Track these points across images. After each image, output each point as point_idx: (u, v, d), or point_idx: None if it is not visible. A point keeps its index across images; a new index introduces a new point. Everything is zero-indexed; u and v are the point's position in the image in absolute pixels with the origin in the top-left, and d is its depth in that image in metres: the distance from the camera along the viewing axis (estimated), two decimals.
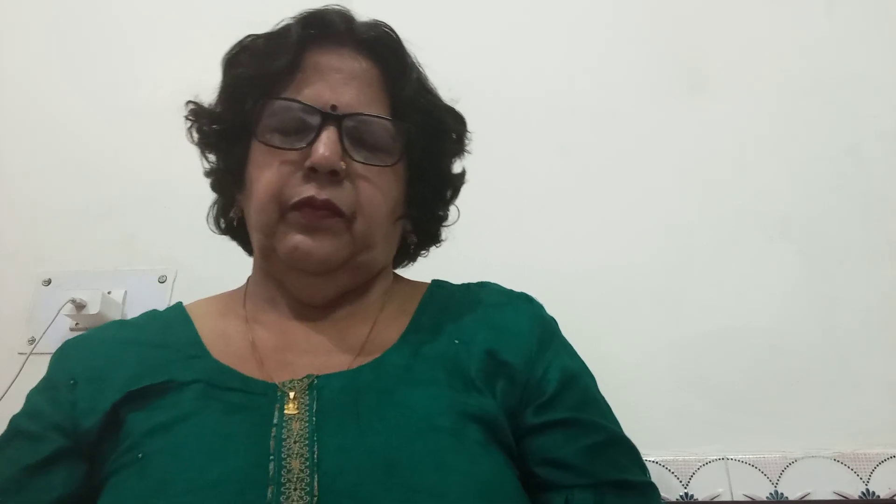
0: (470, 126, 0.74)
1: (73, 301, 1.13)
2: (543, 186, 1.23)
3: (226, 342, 0.64)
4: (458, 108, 0.74)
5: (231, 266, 1.24)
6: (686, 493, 0.97)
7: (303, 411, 0.56)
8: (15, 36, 1.50)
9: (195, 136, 0.72)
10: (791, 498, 0.96)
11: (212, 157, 0.73)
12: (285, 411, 0.56)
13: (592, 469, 0.59)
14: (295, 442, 0.54)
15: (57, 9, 1.50)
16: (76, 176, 1.34)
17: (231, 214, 0.73)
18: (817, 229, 1.15)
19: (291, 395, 0.57)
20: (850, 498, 0.95)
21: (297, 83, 0.64)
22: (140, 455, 0.54)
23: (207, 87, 1.53)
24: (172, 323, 0.67)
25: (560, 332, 0.70)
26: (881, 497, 0.95)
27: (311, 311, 0.67)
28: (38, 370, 1.13)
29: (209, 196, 1.39)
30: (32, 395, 0.64)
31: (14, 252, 1.29)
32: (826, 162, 1.19)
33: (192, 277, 1.23)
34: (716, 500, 0.97)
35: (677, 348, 1.08)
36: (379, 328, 0.67)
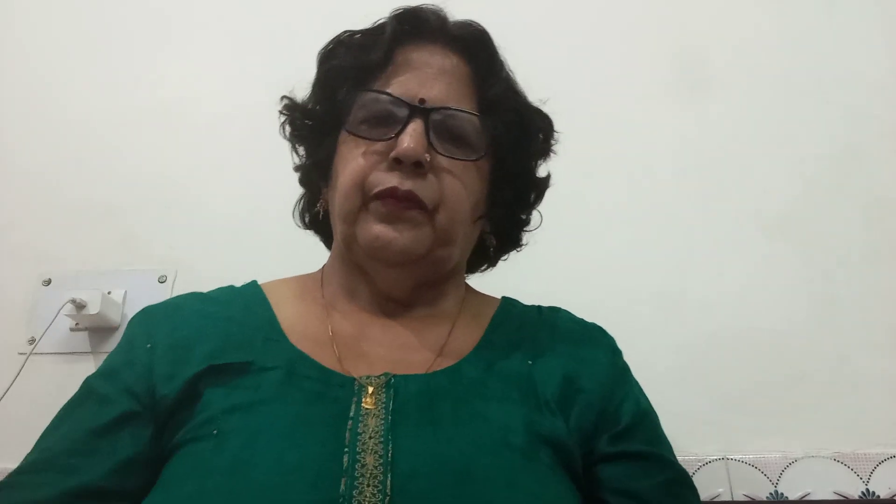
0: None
1: (73, 301, 1.13)
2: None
3: (304, 327, 0.65)
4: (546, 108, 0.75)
5: (231, 266, 1.24)
6: None
7: (379, 408, 0.56)
8: (15, 36, 1.50)
9: (287, 129, 0.74)
10: (791, 498, 0.96)
11: (301, 152, 0.75)
12: (363, 405, 0.56)
13: None
14: (370, 437, 0.54)
15: (57, 9, 1.50)
16: (76, 176, 1.34)
17: (317, 207, 0.73)
18: (817, 229, 1.15)
19: (370, 389, 0.57)
20: (850, 498, 0.95)
21: (387, 77, 0.66)
22: (216, 431, 0.54)
23: (207, 86, 1.53)
24: (251, 302, 0.68)
25: (628, 365, 0.72)
26: (881, 497, 0.95)
27: (389, 305, 0.68)
28: (38, 370, 1.14)
29: (209, 196, 1.39)
30: (111, 356, 0.64)
31: (14, 252, 1.29)
32: (826, 162, 1.19)
33: (192, 277, 1.23)
34: (716, 500, 0.97)
35: (677, 348, 1.08)
36: (455, 334, 0.67)
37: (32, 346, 1.14)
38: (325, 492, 0.50)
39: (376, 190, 0.62)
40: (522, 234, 0.79)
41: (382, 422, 0.55)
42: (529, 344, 0.67)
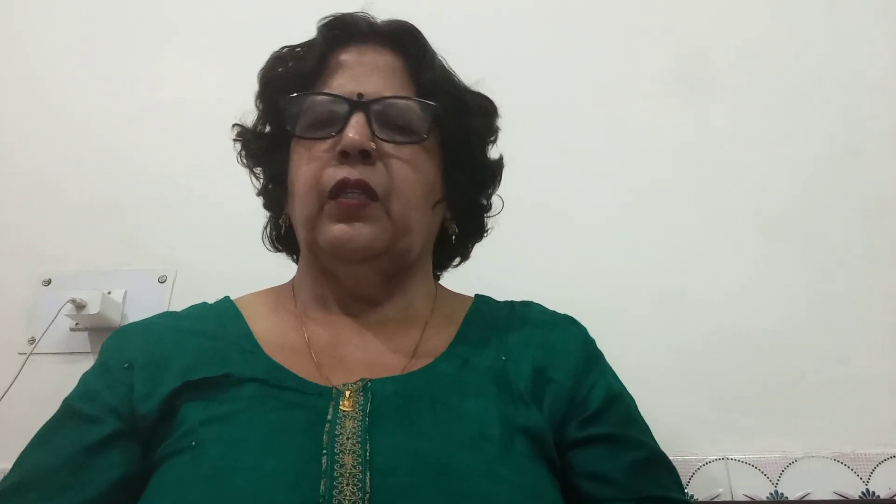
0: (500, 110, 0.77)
1: (73, 301, 1.13)
2: (543, 186, 1.23)
3: (279, 338, 0.66)
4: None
5: (231, 266, 1.24)
6: (686, 494, 0.97)
7: (356, 410, 0.57)
8: (15, 36, 1.50)
9: (243, 155, 0.76)
10: (791, 498, 0.96)
11: (260, 175, 0.77)
12: (340, 408, 0.57)
13: (634, 485, 0.60)
14: (348, 439, 0.55)
15: (56, 9, 1.50)
16: (76, 176, 1.34)
17: (280, 222, 0.75)
18: (817, 229, 1.14)
19: (347, 393, 0.59)
20: (850, 498, 0.95)
21: (325, 80, 0.68)
22: (194, 443, 0.55)
23: (207, 86, 1.53)
24: (224, 316, 0.69)
25: (602, 354, 0.73)
26: (881, 497, 0.95)
27: (361, 307, 0.70)
28: (38, 370, 1.14)
29: (209, 196, 1.39)
30: (87, 378, 0.64)
31: (14, 252, 1.29)
32: (826, 162, 1.19)
33: (192, 277, 1.23)
34: (716, 500, 0.97)
35: (677, 348, 1.08)
36: (428, 334, 0.69)
37: (32, 346, 1.14)
38: (305, 493, 0.51)
39: (329, 186, 0.63)
40: (485, 219, 0.80)
41: (360, 423, 0.56)
42: (502, 340, 0.69)
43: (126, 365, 0.62)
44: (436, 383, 0.62)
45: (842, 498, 0.95)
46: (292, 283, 0.75)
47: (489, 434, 0.57)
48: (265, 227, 0.81)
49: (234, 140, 0.76)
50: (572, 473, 0.61)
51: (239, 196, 1.30)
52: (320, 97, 0.66)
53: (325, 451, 0.53)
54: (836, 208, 1.15)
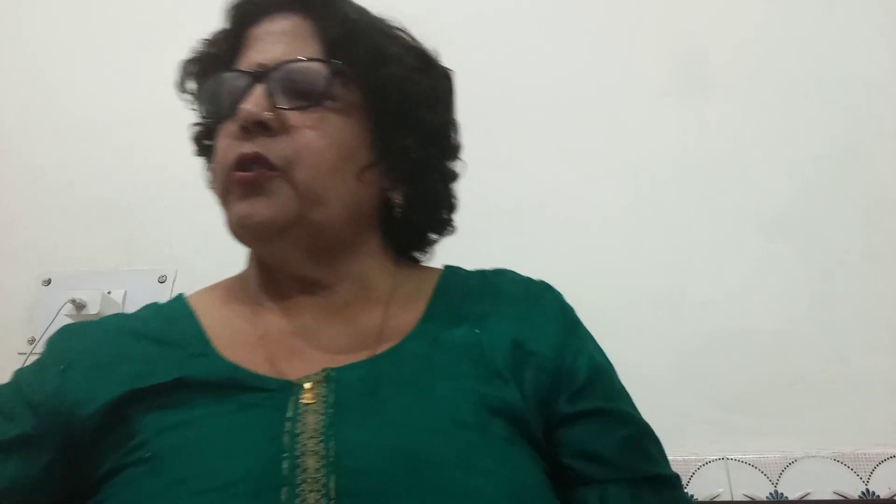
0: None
1: (73, 301, 1.13)
2: (543, 187, 1.23)
3: (232, 333, 0.62)
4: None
5: (231, 266, 1.23)
6: (685, 492, 0.97)
7: (319, 402, 0.53)
8: (15, 36, 1.50)
9: (196, 154, 0.74)
10: (791, 498, 0.96)
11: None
12: (301, 401, 0.53)
13: (627, 463, 0.58)
14: (310, 437, 0.51)
15: (57, 10, 1.50)
16: (77, 176, 1.34)
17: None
18: (817, 229, 1.14)
19: (307, 385, 0.55)
20: (850, 498, 0.95)
21: (239, 58, 0.65)
22: (149, 454, 0.51)
23: None
24: (175, 317, 0.64)
25: (580, 319, 0.69)
26: (881, 497, 0.95)
27: (310, 289, 0.65)
28: None
29: (209, 196, 1.39)
30: (22, 370, 0.60)
31: (14, 252, 1.29)
32: (826, 162, 1.19)
33: (192, 277, 1.23)
34: (716, 500, 0.97)
35: (677, 348, 1.08)
36: (393, 312, 0.64)
37: (32, 346, 1.15)
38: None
39: (230, 164, 0.60)
40: (442, 187, 0.71)
41: (322, 417, 0.52)
42: (475, 312, 0.64)
43: (63, 367, 0.58)
44: (405, 365, 0.58)
45: (842, 498, 0.95)
46: (245, 273, 0.70)
47: (464, 419, 0.54)
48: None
49: (192, 140, 0.73)
50: (562, 452, 0.58)
51: None
52: (227, 75, 0.63)
53: (285, 454, 0.50)
54: (836, 208, 1.15)
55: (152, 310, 0.67)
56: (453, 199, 0.73)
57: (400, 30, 0.69)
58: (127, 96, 1.40)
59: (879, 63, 1.25)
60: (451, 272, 0.71)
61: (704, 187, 1.20)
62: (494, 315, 0.64)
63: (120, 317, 0.68)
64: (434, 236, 0.74)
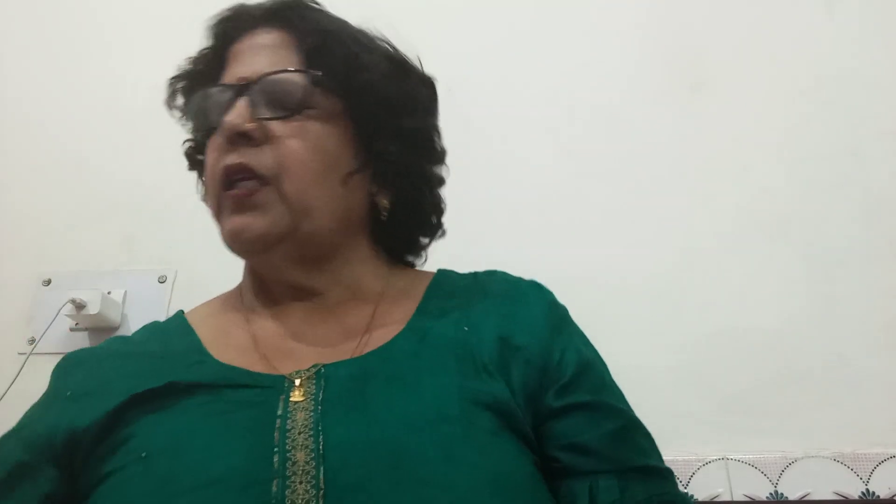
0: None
1: (73, 301, 1.13)
2: (543, 187, 1.23)
3: (226, 339, 0.64)
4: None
5: (231, 266, 1.23)
6: (685, 493, 0.97)
7: (308, 400, 0.55)
8: (14, 36, 1.50)
9: (188, 168, 0.76)
10: (791, 498, 0.96)
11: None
12: (291, 398, 0.55)
13: (616, 455, 0.58)
14: (300, 433, 0.52)
15: (57, 9, 1.50)
16: (76, 176, 1.34)
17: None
18: (817, 229, 1.14)
19: (297, 382, 0.56)
20: (850, 498, 0.95)
21: (224, 74, 0.67)
22: (144, 454, 0.53)
23: None
24: (172, 333, 0.67)
25: (571, 317, 0.69)
26: (881, 497, 0.95)
27: (302, 295, 0.66)
28: (38, 370, 1.14)
29: None
30: (25, 414, 0.63)
31: (14, 252, 1.29)
32: (826, 162, 1.19)
33: (192, 277, 1.23)
34: (716, 500, 0.97)
35: (677, 349, 1.08)
36: (382, 311, 0.65)
37: (32, 346, 1.15)
38: (256, 497, 0.49)
39: (219, 176, 0.61)
40: (429, 193, 0.72)
41: (311, 414, 0.54)
42: (464, 310, 0.65)
43: (69, 393, 0.61)
44: (393, 361, 0.59)
45: (842, 498, 0.95)
46: (240, 284, 0.73)
47: (448, 413, 0.54)
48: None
49: (185, 155, 0.75)
50: (551, 445, 0.59)
51: None
52: (212, 90, 0.65)
53: (276, 449, 0.51)
54: (836, 208, 1.15)
55: (150, 329, 0.70)
56: (440, 203, 0.74)
57: (381, 40, 0.70)
58: (127, 96, 1.40)
59: (879, 63, 1.25)
60: (443, 274, 0.72)
61: (704, 187, 1.20)
62: (482, 312, 0.65)
63: (118, 340, 0.71)
64: (424, 240, 0.75)
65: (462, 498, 0.50)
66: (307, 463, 0.50)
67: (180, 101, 0.71)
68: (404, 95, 0.69)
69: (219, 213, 0.63)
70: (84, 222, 1.30)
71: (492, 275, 0.72)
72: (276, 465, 0.50)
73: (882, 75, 1.24)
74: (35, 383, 1.16)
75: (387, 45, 0.70)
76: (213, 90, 0.65)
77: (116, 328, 1.20)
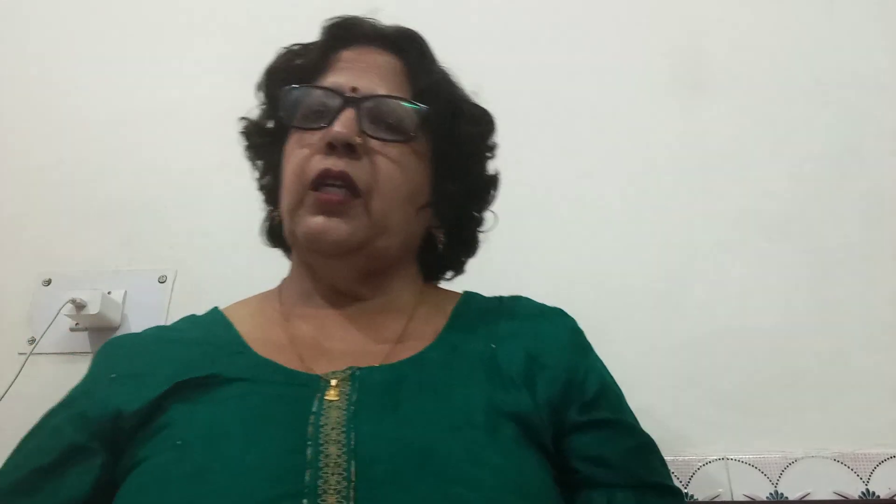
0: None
1: (73, 301, 1.13)
2: (542, 186, 1.23)
3: (265, 338, 0.66)
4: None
5: (231, 266, 1.24)
6: (686, 494, 0.97)
7: (342, 399, 0.57)
8: (15, 36, 1.50)
9: (246, 148, 0.78)
10: (791, 498, 0.96)
11: (260, 168, 0.78)
12: (326, 398, 0.57)
13: (634, 470, 0.61)
14: (332, 429, 0.55)
15: (58, 10, 1.50)
16: (77, 176, 1.34)
17: (274, 215, 0.76)
18: (818, 229, 1.14)
19: (333, 382, 0.59)
20: (850, 498, 0.95)
21: (324, 76, 0.70)
22: (179, 442, 0.55)
23: (207, 86, 1.53)
24: (212, 325, 0.69)
25: (591, 345, 0.73)
26: (881, 497, 0.95)
27: (344, 301, 0.70)
28: (38, 370, 1.14)
29: (209, 196, 1.40)
30: (73, 389, 0.65)
31: (14, 252, 1.29)
32: (826, 162, 1.19)
33: (192, 277, 1.23)
34: (716, 500, 0.97)
35: (677, 348, 1.08)
36: (415, 324, 0.69)
37: (32, 346, 1.15)
38: (289, 485, 0.51)
39: (312, 176, 0.64)
40: (476, 234, 0.80)
41: (345, 413, 0.56)
42: (492, 329, 0.69)
43: (113, 375, 0.62)
44: (424, 370, 0.62)
45: (842, 498, 0.95)
46: (280, 286, 0.76)
47: (475, 420, 0.57)
48: (263, 222, 0.81)
49: (240, 133, 0.78)
50: (571, 457, 0.62)
51: (239, 196, 1.30)
52: (316, 90, 0.68)
53: (309, 442, 0.53)
54: (836, 208, 1.15)
55: (190, 321, 0.73)
56: (478, 244, 0.81)
57: (453, 77, 0.76)
58: (127, 96, 1.40)
59: (879, 63, 1.25)
60: (470, 295, 0.77)
61: (704, 187, 1.20)
62: (510, 333, 0.68)
63: (160, 328, 0.74)
64: (465, 259, 0.82)
65: (488, 496, 0.52)
66: (339, 456, 0.52)
67: (271, 85, 0.74)
68: (482, 145, 0.76)
69: (296, 209, 0.66)
70: (84, 222, 1.30)
71: (517, 300, 0.76)
72: (309, 456, 0.52)
73: (882, 75, 1.24)
74: (35, 383, 1.17)
75: (469, 93, 0.77)
76: (319, 92, 0.68)
77: (116, 328, 1.19)
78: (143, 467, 0.55)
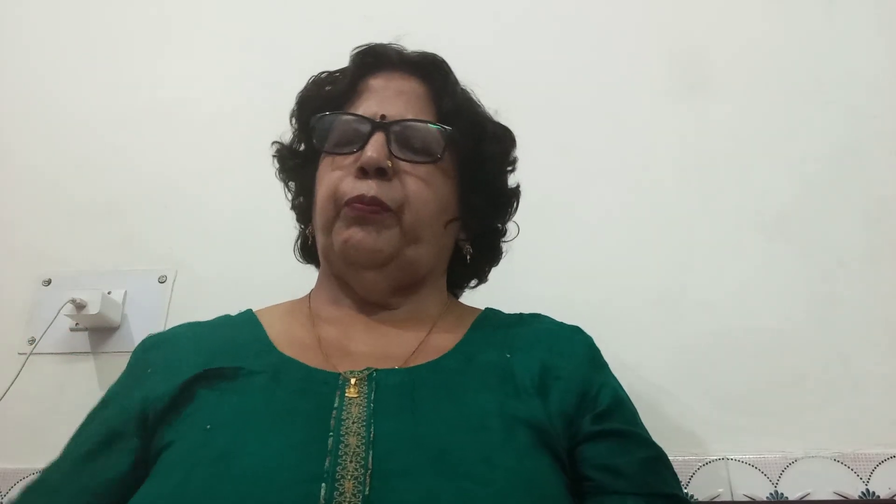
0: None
1: (73, 301, 1.13)
2: (542, 187, 1.22)
3: (291, 338, 0.70)
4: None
5: (231, 266, 1.24)
6: (686, 494, 0.97)
7: (362, 397, 0.61)
8: (15, 36, 1.50)
9: (279, 170, 0.83)
10: (791, 498, 0.96)
11: (293, 189, 0.83)
12: (347, 394, 0.61)
13: (647, 480, 0.62)
14: (353, 423, 0.58)
15: (58, 9, 1.51)
16: (76, 176, 1.34)
17: (307, 233, 0.80)
18: (817, 229, 1.14)
19: (353, 381, 0.62)
20: (850, 498, 0.95)
21: (354, 102, 0.75)
22: (209, 426, 0.58)
23: (207, 86, 1.53)
24: (242, 324, 0.74)
25: (606, 362, 0.75)
26: (881, 497, 0.95)
27: (372, 308, 0.74)
28: (38, 370, 1.14)
29: (209, 196, 1.40)
30: (111, 387, 0.69)
31: (14, 252, 1.29)
32: (826, 162, 1.19)
33: (192, 277, 1.23)
34: (716, 500, 0.97)
35: (677, 348, 1.08)
36: (436, 333, 0.72)
37: (32, 346, 1.14)
38: (309, 469, 0.54)
39: (346, 198, 0.69)
40: (500, 243, 0.85)
41: (365, 409, 0.59)
42: (509, 340, 0.72)
43: (150, 370, 0.67)
44: (440, 375, 0.65)
45: (842, 498, 0.95)
46: (309, 294, 0.80)
47: (490, 424, 0.60)
48: (296, 240, 0.86)
49: (273, 156, 0.82)
50: (584, 465, 0.63)
51: (239, 196, 1.31)
52: (347, 117, 0.73)
53: (331, 433, 0.57)
54: (836, 208, 1.15)
55: (220, 319, 0.77)
56: (501, 254, 0.86)
57: (475, 98, 0.81)
58: (126, 96, 1.40)
59: (879, 63, 1.25)
60: (491, 311, 0.81)
61: (704, 187, 1.20)
62: (526, 344, 0.71)
63: (193, 324, 0.77)
64: (488, 268, 0.87)
65: (499, 494, 0.54)
66: (358, 446, 0.56)
67: (303, 112, 0.79)
68: (504, 162, 0.81)
69: (331, 224, 0.71)
70: (84, 222, 1.30)
71: (536, 316, 0.79)
72: (330, 445, 0.56)
73: (882, 75, 1.24)
74: (35, 383, 1.17)
75: (489, 112, 0.82)
76: (349, 118, 0.72)
77: (116, 328, 1.20)
78: (172, 449, 0.58)
